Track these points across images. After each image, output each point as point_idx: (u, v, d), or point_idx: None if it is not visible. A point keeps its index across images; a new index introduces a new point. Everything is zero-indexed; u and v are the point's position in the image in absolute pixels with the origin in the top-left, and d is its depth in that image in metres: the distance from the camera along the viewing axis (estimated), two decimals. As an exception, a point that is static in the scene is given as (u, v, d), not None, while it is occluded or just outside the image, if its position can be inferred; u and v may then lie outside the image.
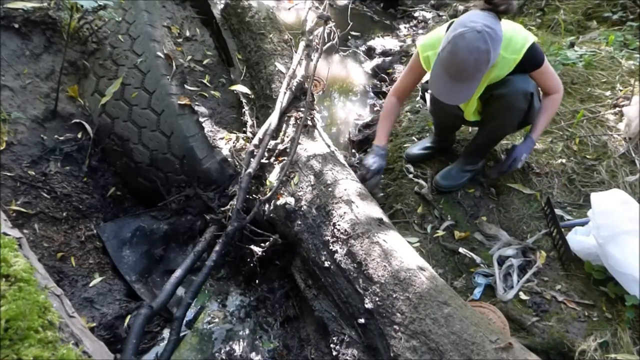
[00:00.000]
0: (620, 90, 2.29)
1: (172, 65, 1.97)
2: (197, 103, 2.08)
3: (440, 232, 1.89)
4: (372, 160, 1.91)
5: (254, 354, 1.70)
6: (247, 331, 1.78)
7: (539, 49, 1.63)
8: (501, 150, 2.14)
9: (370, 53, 3.71)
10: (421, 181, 2.09)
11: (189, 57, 2.17)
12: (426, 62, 1.74)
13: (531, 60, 1.61)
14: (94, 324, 1.53)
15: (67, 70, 1.97)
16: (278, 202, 1.74)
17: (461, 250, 1.79)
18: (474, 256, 1.76)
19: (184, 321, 1.58)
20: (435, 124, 2.14)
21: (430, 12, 4.19)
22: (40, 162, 1.79)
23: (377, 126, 2.05)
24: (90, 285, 1.66)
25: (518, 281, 1.64)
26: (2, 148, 1.69)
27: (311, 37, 2.30)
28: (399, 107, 2.03)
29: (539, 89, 1.76)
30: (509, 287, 1.64)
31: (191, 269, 1.69)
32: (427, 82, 2.00)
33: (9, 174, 1.67)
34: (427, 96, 1.98)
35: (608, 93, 2.32)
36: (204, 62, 2.26)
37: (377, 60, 3.54)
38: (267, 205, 1.80)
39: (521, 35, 1.59)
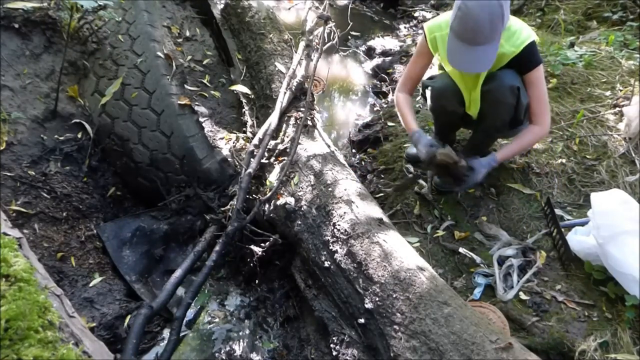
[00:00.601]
0: (620, 90, 2.29)
1: (172, 65, 1.97)
2: (197, 103, 2.08)
3: (440, 232, 1.89)
4: (423, 143, 1.78)
5: (254, 354, 1.70)
6: (247, 331, 1.78)
7: (537, 50, 1.63)
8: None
9: (370, 53, 3.71)
10: (421, 181, 2.09)
11: (189, 57, 2.17)
12: (433, 43, 1.73)
13: (528, 57, 1.60)
14: (94, 324, 1.53)
15: (67, 70, 1.97)
16: (278, 202, 1.74)
17: (461, 250, 1.79)
18: (474, 256, 1.76)
19: (184, 321, 1.58)
20: (435, 122, 2.14)
21: (430, 12, 4.19)
22: (40, 162, 1.79)
23: (401, 120, 1.97)
24: (90, 285, 1.66)
25: (518, 281, 1.64)
26: (2, 148, 1.69)
27: (311, 37, 2.30)
28: (410, 99, 1.99)
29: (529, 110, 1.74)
30: (509, 287, 1.64)
31: (191, 269, 1.69)
32: (428, 78, 2.00)
33: (9, 174, 1.67)
34: (428, 93, 1.97)
35: (608, 93, 2.32)
36: (204, 62, 2.26)
37: (377, 60, 3.54)
38: (267, 205, 1.80)
39: (526, 31, 1.60)
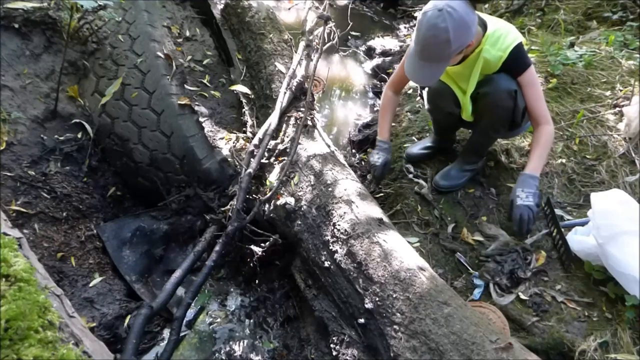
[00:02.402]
0: (620, 90, 2.29)
1: (172, 65, 1.97)
2: (197, 103, 2.08)
3: (447, 232, 1.89)
4: (377, 157, 1.97)
5: (254, 354, 1.70)
6: (247, 331, 1.78)
7: (526, 54, 1.63)
8: (501, 150, 2.14)
9: (370, 53, 3.71)
10: (421, 181, 2.09)
11: (189, 57, 2.17)
12: None
13: (516, 61, 1.61)
14: (94, 324, 1.53)
15: (67, 70, 1.97)
16: (278, 202, 1.74)
17: (457, 255, 1.80)
18: (468, 266, 1.76)
19: (184, 321, 1.58)
20: (434, 123, 2.14)
21: None
22: (40, 162, 1.79)
23: (378, 122, 2.06)
24: (90, 285, 1.66)
25: (514, 286, 1.64)
26: (2, 148, 1.69)
27: (311, 37, 2.30)
28: (396, 100, 2.06)
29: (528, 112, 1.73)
30: (507, 292, 1.64)
31: (191, 269, 1.69)
32: None
33: (9, 174, 1.67)
34: (424, 94, 1.98)
35: (608, 93, 2.32)
36: (204, 62, 2.26)
37: (377, 60, 3.54)
38: (267, 205, 1.80)
39: (511, 35, 1.60)
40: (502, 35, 1.59)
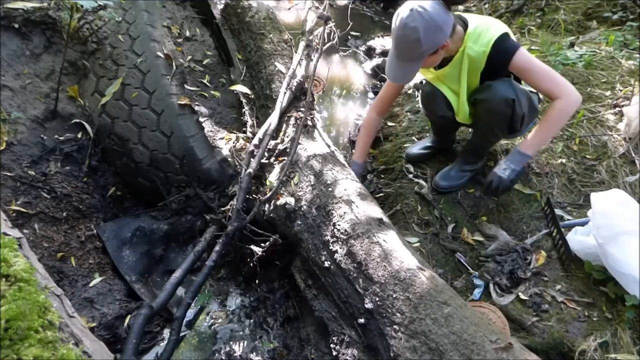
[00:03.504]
0: (620, 90, 2.29)
1: (172, 65, 1.97)
2: (197, 103, 2.08)
3: (447, 232, 1.89)
4: None
5: (254, 354, 1.70)
6: (247, 331, 1.78)
7: (509, 42, 1.57)
8: (501, 150, 2.15)
9: (370, 53, 3.71)
10: (421, 181, 2.09)
11: (189, 57, 2.17)
12: None
13: (499, 53, 1.57)
14: (94, 324, 1.53)
15: (67, 70, 1.97)
16: (278, 202, 1.74)
17: (457, 255, 1.80)
18: (468, 266, 1.76)
19: (184, 321, 1.58)
20: (432, 124, 2.15)
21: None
22: (40, 162, 1.78)
23: (356, 141, 2.08)
24: (90, 285, 1.66)
25: (514, 286, 1.64)
26: (2, 148, 1.69)
27: (311, 37, 2.30)
28: (378, 123, 2.11)
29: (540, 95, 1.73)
30: (507, 292, 1.64)
31: (191, 269, 1.68)
32: (421, 82, 2.02)
33: (9, 174, 1.67)
34: (419, 97, 2.00)
35: (608, 93, 2.32)
36: (204, 62, 2.26)
37: (377, 60, 3.54)
38: (267, 205, 1.80)
39: (492, 29, 1.59)
40: (483, 31, 1.59)
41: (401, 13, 1.48)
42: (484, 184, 1.80)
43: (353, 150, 2.25)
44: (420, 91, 1.96)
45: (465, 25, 1.62)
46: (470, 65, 1.64)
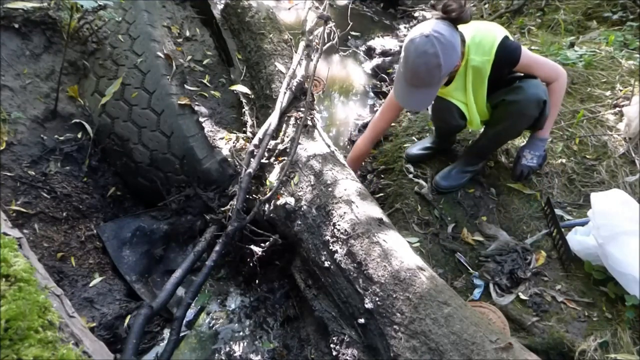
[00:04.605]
0: (620, 90, 2.29)
1: (172, 65, 1.97)
2: (197, 103, 2.08)
3: (447, 232, 1.89)
4: None
5: (254, 354, 1.70)
6: (247, 331, 1.78)
7: (511, 44, 1.61)
8: (501, 150, 2.14)
9: (370, 53, 3.71)
10: (421, 181, 2.09)
11: (189, 57, 2.17)
12: None
13: (506, 57, 1.60)
14: (94, 324, 1.53)
15: (67, 70, 1.97)
16: (278, 202, 1.74)
17: (457, 255, 1.80)
18: (468, 266, 1.76)
19: (184, 321, 1.58)
20: (436, 129, 2.15)
21: (430, 12, 4.18)
22: (40, 162, 1.78)
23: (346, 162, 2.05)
24: (90, 285, 1.66)
25: (514, 286, 1.64)
26: (2, 148, 1.69)
27: (311, 37, 2.29)
28: (369, 151, 2.12)
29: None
30: (507, 292, 1.64)
31: (191, 269, 1.69)
32: None
33: (9, 174, 1.67)
34: (429, 106, 1.99)
35: (608, 93, 2.32)
36: (204, 62, 2.26)
37: (377, 60, 3.54)
38: (267, 205, 1.80)
39: (490, 35, 1.59)
40: (482, 40, 1.59)
41: (416, 40, 1.44)
42: (515, 176, 1.97)
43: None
44: (432, 106, 1.96)
45: (462, 37, 1.60)
46: (474, 75, 1.64)
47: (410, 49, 1.46)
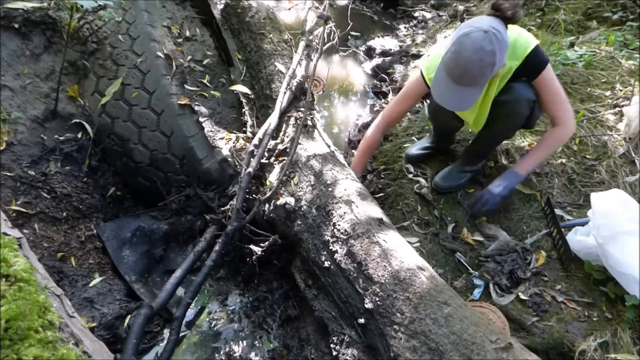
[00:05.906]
0: (620, 90, 2.29)
1: (172, 65, 1.97)
2: (197, 103, 2.08)
3: (447, 232, 1.89)
4: None
5: (254, 354, 1.70)
6: (247, 331, 1.78)
7: (544, 53, 1.58)
8: (500, 150, 2.14)
9: (370, 53, 3.71)
10: (421, 181, 2.09)
11: (189, 57, 2.17)
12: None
13: (533, 64, 1.56)
14: (94, 324, 1.53)
15: (67, 70, 1.97)
16: (278, 202, 1.74)
17: (457, 255, 1.80)
18: (468, 266, 1.76)
19: (184, 321, 1.58)
20: (434, 128, 2.15)
21: (430, 12, 4.18)
22: (40, 162, 1.79)
23: (355, 153, 2.00)
24: (90, 285, 1.66)
25: (514, 286, 1.64)
26: (2, 148, 1.69)
27: (311, 37, 2.30)
28: (379, 141, 2.06)
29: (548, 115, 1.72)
30: (507, 292, 1.64)
31: (191, 269, 1.69)
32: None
33: (9, 174, 1.67)
34: (426, 104, 1.99)
35: (608, 93, 2.32)
36: (204, 62, 2.26)
37: (377, 60, 3.54)
38: (267, 205, 1.80)
39: (523, 39, 1.56)
40: (515, 42, 1.53)
41: (473, 34, 1.35)
42: (473, 198, 1.86)
43: (351, 158, 2.27)
44: (427, 101, 1.93)
45: None
46: (491, 81, 1.58)
47: (466, 44, 1.36)
